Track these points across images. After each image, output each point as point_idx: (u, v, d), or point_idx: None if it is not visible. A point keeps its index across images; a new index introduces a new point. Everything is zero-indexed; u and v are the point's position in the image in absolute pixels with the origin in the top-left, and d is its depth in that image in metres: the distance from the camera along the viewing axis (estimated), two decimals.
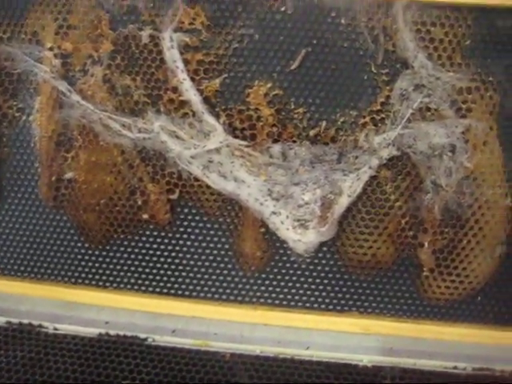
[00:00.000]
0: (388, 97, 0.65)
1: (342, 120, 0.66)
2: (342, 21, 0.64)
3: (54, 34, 0.67)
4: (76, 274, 0.73)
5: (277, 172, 0.65)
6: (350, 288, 0.71)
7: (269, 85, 0.66)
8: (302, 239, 0.65)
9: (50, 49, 0.67)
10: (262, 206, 0.65)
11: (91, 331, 0.68)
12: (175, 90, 0.66)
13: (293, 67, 0.65)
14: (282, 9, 0.64)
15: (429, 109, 0.64)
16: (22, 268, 0.74)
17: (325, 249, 0.69)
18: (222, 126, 0.65)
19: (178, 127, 0.66)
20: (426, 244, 0.68)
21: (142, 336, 0.68)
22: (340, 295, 0.71)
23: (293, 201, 0.65)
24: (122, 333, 0.68)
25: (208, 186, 0.67)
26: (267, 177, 0.65)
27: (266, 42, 0.65)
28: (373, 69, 0.65)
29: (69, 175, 0.70)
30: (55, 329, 0.68)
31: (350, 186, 0.64)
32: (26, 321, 0.70)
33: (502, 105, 0.65)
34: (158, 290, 0.72)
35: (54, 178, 0.70)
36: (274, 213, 0.65)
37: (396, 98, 0.64)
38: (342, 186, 0.64)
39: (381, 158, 0.64)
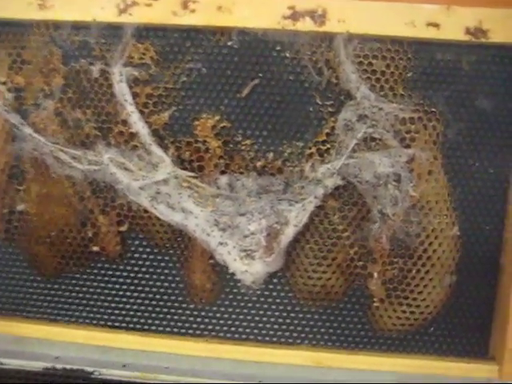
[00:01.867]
0: (333, 128, 0.66)
1: (288, 151, 0.67)
2: (287, 54, 0.65)
3: (7, 68, 0.68)
4: (27, 308, 0.73)
5: (224, 203, 0.66)
6: (302, 320, 0.70)
7: (216, 117, 0.67)
8: (248, 270, 0.65)
9: (3, 83, 0.68)
10: (208, 237, 0.65)
11: (37, 365, 0.67)
12: (125, 122, 0.67)
13: (243, 94, 0.66)
14: (229, 43, 0.66)
15: (373, 139, 0.65)
16: None
17: (275, 280, 0.69)
18: (171, 158, 0.66)
19: (128, 159, 0.67)
20: (376, 274, 0.68)
21: (89, 370, 0.67)
22: (291, 327, 0.70)
23: (239, 231, 0.65)
24: (68, 367, 0.67)
25: (157, 218, 0.68)
26: (214, 207, 0.65)
27: (213, 76, 0.66)
28: (318, 101, 0.66)
29: (21, 207, 0.70)
30: (1, 363, 0.67)
31: (296, 216, 0.65)
32: None
33: (444, 134, 0.66)
34: (109, 323, 0.72)
35: (5, 211, 0.70)
36: (220, 243, 0.65)
37: (341, 128, 0.65)
38: (288, 216, 0.65)
39: (326, 187, 0.65)
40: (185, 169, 0.67)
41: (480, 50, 0.64)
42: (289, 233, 0.65)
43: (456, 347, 0.70)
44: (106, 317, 0.72)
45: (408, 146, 0.65)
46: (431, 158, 0.66)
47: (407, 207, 0.66)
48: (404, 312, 0.69)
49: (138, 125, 0.66)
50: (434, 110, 0.65)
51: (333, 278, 0.68)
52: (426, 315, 0.69)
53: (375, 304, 0.69)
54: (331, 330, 0.70)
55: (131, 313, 0.71)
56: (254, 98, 0.67)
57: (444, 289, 0.68)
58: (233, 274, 0.68)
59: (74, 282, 0.71)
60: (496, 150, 0.66)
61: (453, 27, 0.62)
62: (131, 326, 0.71)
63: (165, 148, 0.67)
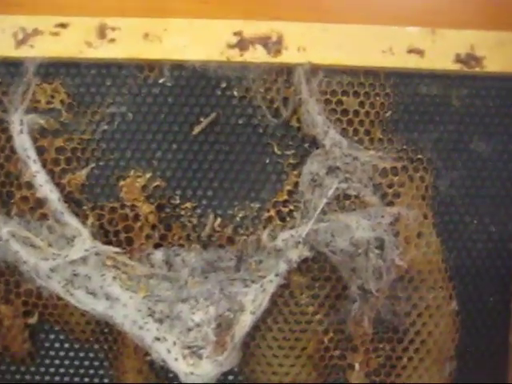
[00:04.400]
0: (296, 184, 0.52)
1: (240, 215, 0.53)
2: (235, 93, 0.52)
3: None
4: None
5: (160, 286, 0.51)
6: None
7: (148, 175, 0.53)
8: (195, 371, 0.50)
9: None
10: (141, 331, 0.51)
11: None
12: (29, 185, 0.52)
13: (195, 132, 0.52)
14: (160, 81, 0.52)
15: (347, 196, 0.52)
16: None
17: (231, 378, 0.55)
18: (90, 229, 0.51)
19: (34, 232, 0.52)
20: (357, 365, 0.54)
21: None
22: None
23: (180, 323, 0.50)
24: None
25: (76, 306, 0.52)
26: (148, 292, 0.51)
27: (142, 122, 0.53)
28: (276, 150, 0.53)
29: None
30: None
31: (254, 299, 0.50)
32: None
33: (435, 187, 0.54)
34: None
35: None
36: (157, 338, 0.50)
37: (306, 184, 0.52)
38: (243, 301, 0.50)
39: (290, 261, 0.51)
40: (109, 243, 0.52)
41: (473, 82, 0.54)
42: (245, 322, 0.51)
43: None
44: None
45: (391, 204, 0.53)
46: (420, 217, 0.53)
47: (393, 280, 0.52)
48: None
49: (46, 188, 0.51)
50: (420, 156, 0.54)
51: (303, 373, 0.54)
52: None
53: None
54: None
55: None
56: (195, 149, 0.53)
57: (443, 379, 0.54)
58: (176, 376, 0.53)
59: None
60: (497, 203, 0.55)
61: (439, 54, 0.53)
62: None
63: (82, 217, 0.52)
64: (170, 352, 0.51)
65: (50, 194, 0.52)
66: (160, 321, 0.51)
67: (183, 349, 0.50)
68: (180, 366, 0.51)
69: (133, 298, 0.51)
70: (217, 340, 0.50)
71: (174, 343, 0.50)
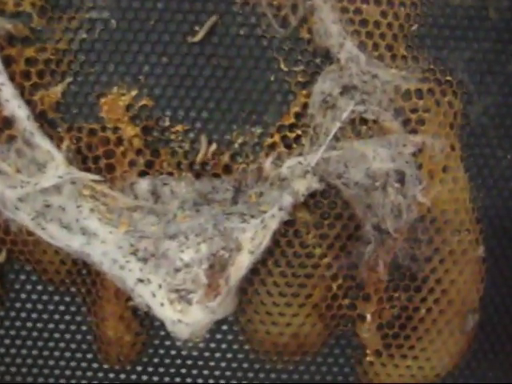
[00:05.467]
0: (305, 105, 0.46)
1: (239, 141, 0.46)
2: None
3: None
4: None
5: (145, 220, 0.45)
6: (264, 381, 0.49)
7: (133, 92, 0.46)
8: (183, 319, 0.44)
9: None
10: (122, 271, 0.44)
11: None
12: None
13: (196, 38, 0.45)
14: None
15: (364, 121, 0.45)
16: None
17: (225, 328, 0.48)
18: (64, 154, 0.44)
19: (0, 157, 0.45)
20: (369, 316, 0.48)
21: None
22: None
23: (167, 262, 0.43)
24: None
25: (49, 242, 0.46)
26: (130, 227, 0.44)
27: (127, 31, 0.46)
28: (282, 66, 0.46)
29: None
30: None
31: (252, 237, 0.44)
32: None
33: (465, 114, 0.47)
34: None
35: None
36: (140, 280, 0.44)
37: (316, 106, 0.45)
38: (241, 239, 0.43)
39: (296, 193, 0.44)
40: (87, 170, 0.45)
41: None
42: (242, 263, 0.44)
43: None
44: None
45: (414, 131, 0.46)
46: (447, 149, 0.47)
47: (414, 220, 0.46)
48: (409, 368, 0.49)
49: (13, 104, 0.44)
50: (449, 78, 0.47)
51: (307, 324, 0.48)
52: (440, 371, 0.49)
53: (368, 358, 0.49)
54: None
55: (15, 370, 0.50)
56: (189, 64, 0.46)
57: (465, 334, 0.48)
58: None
59: None
60: None
61: None
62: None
63: (57, 140, 0.46)
64: (154, 296, 0.44)
65: (18, 111, 0.44)
66: (144, 260, 0.44)
67: (170, 292, 0.44)
68: (166, 312, 0.44)
69: (113, 234, 0.44)
70: (209, 283, 0.43)
71: (160, 286, 0.44)
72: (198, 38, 0.45)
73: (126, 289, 0.45)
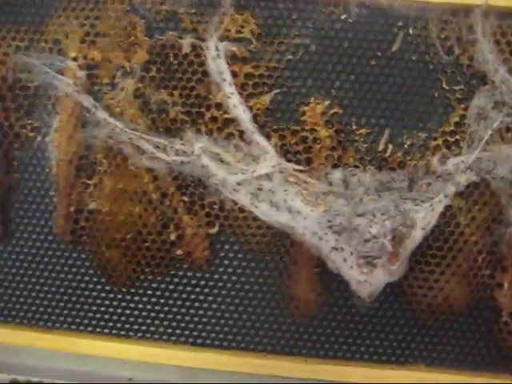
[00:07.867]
0: (462, 116, 0.57)
1: (408, 143, 0.58)
2: (411, 31, 0.57)
3: (79, 42, 0.58)
4: (94, 323, 0.62)
5: (337, 202, 0.56)
6: (417, 337, 0.61)
7: (327, 102, 0.58)
8: (368, 279, 0.56)
9: (74, 59, 0.58)
10: (320, 241, 0.56)
11: None
12: (219, 106, 0.57)
13: (394, 48, 0.57)
14: (343, 17, 0.57)
15: (509, 129, 0.57)
16: (30, 315, 0.63)
17: (388, 290, 0.60)
18: (274, 149, 0.57)
19: (223, 149, 0.57)
20: (506, 284, 0.59)
21: None
22: (404, 345, 0.61)
23: (358, 234, 0.56)
24: None
25: (255, 219, 0.58)
26: (326, 207, 0.56)
27: (323, 54, 0.58)
28: (444, 85, 0.57)
29: (91, 205, 0.60)
30: None
31: (424, 217, 0.56)
32: (35, 379, 0.58)
33: None
34: (191, 340, 0.62)
35: (72, 209, 0.60)
36: (335, 248, 0.56)
37: (472, 117, 0.57)
38: (415, 218, 0.56)
39: (458, 184, 0.56)
40: (290, 161, 0.57)
41: None
42: (415, 237, 0.56)
43: None
44: (187, 333, 0.62)
45: None
46: None
47: None
48: None
49: (239, 109, 0.57)
50: None
51: (456, 289, 0.59)
52: None
53: (504, 319, 0.60)
54: (449, 348, 0.61)
55: (218, 329, 0.62)
56: (371, 81, 0.58)
57: None
58: (340, 285, 0.58)
59: (150, 292, 0.61)
60: None
61: None
62: (218, 343, 0.62)
63: (266, 137, 0.57)
64: (345, 261, 0.56)
65: (243, 115, 0.57)
66: (338, 233, 0.56)
67: (359, 258, 0.56)
68: (354, 273, 0.56)
69: (314, 212, 0.56)
70: (392, 251, 0.55)
71: (351, 253, 0.56)
72: (394, 49, 0.57)
73: (321, 256, 0.57)
